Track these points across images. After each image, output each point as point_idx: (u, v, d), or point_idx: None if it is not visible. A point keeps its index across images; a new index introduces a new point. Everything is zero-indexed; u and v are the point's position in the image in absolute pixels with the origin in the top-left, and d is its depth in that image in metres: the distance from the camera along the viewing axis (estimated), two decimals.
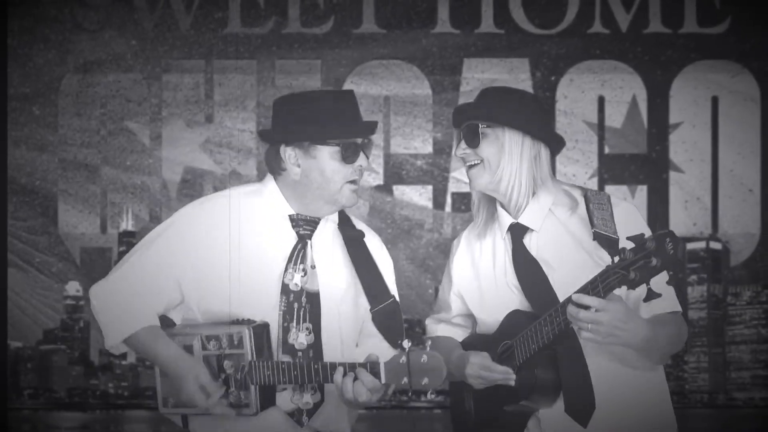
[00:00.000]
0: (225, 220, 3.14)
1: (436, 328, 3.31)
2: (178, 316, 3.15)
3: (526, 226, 3.08)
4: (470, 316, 3.27)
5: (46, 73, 6.90)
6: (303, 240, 3.12)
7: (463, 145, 3.08)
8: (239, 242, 3.11)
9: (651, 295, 2.71)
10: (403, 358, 2.83)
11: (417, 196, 7.02)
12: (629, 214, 3.03)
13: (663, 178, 6.98)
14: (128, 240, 6.92)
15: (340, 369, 2.90)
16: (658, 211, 6.98)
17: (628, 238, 2.71)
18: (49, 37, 6.87)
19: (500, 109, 3.09)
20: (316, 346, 3.06)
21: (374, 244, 3.25)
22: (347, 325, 3.14)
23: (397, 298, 3.20)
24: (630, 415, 3.01)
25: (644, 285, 2.73)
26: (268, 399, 3.01)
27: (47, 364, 7.06)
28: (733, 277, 7.13)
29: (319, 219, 3.14)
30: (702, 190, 7.00)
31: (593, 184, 6.95)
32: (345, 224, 3.22)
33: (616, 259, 2.75)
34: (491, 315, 3.12)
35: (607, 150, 7.00)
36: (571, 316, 2.79)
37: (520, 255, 3.08)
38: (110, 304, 3.07)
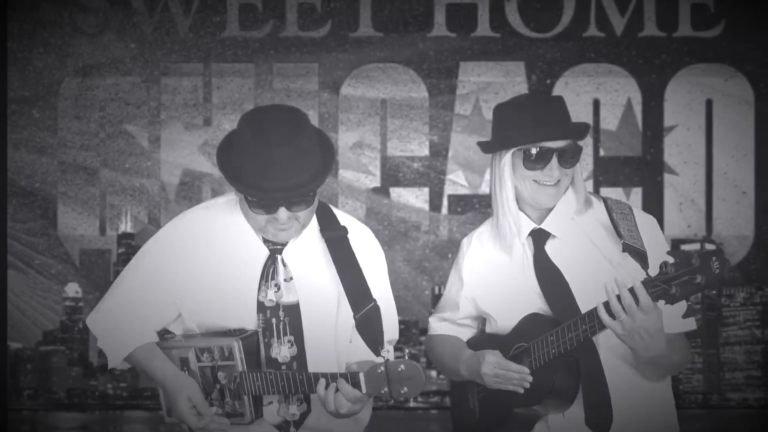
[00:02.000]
0: (204, 235, 3.12)
1: (439, 326, 3.32)
2: (180, 329, 3.18)
3: (549, 232, 3.11)
4: (477, 318, 3.28)
5: (45, 76, 6.91)
6: (273, 255, 3.08)
7: (556, 165, 3.05)
8: (218, 257, 3.09)
9: (690, 312, 2.74)
10: (381, 368, 2.83)
11: (413, 198, 7.02)
12: (652, 226, 3.09)
13: (657, 181, 6.99)
14: (127, 242, 6.92)
15: (323, 381, 2.89)
16: (653, 213, 6.97)
17: (668, 253, 2.70)
18: (48, 40, 6.88)
19: (577, 123, 3.12)
20: (300, 357, 3.05)
21: (360, 241, 3.18)
22: (342, 333, 3.11)
23: (385, 299, 3.14)
24: (637, 423, 3.03)
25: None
26: (260, 408, 3.04)
27: (47, 365, 7.03)
28: (727, 279, 7.13)
29: None
30: (696, 192, 7.01)
31: (588, 187, 6.96)
32: (327, 227, 3.14)
33: (648, 271, 2.77)
34: (508, 318, 3.12)
35: (602, 153, 7.02)
36: (616, 300, 2.77)
37: (541, 262, 3.09)
38: (107, 328, 3.11)
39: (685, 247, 7.16)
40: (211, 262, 3.09)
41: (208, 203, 3.23)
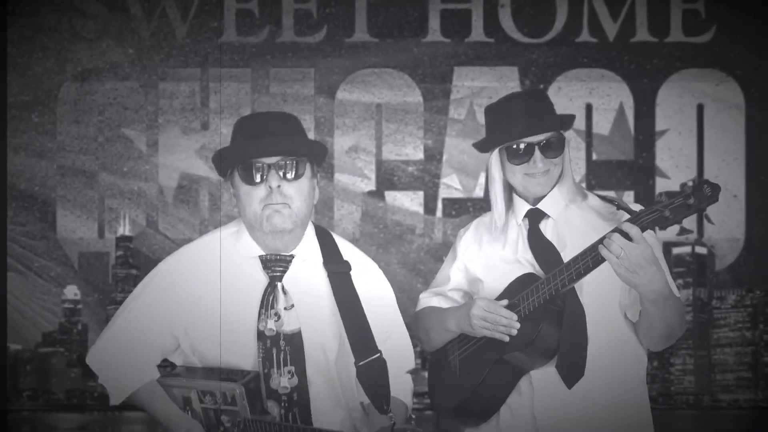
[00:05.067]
0: (204, 265, 3.08)
1: (429, 300, 3.38)
2: (179, 359, 3.15)
3: (544, 211, 3.22)
4: (466, 294, 3.35)
5: (44, 81, 6.93)
6: (272, 283, 3.03)
7: (539, 157, 3.16)
8: (218, 288, 3.05)
9: (683, 231, 2.89)
10: None
11: (408, 201, 7.04)
12: None
13: (649, 184, 7.00)
14: (125, 245, 6.93)
15: None
16: None
17: (660, 192, 2.89)
18: (47, 46, 6.91)
19: (561, 114, 3.24)
20: (300, 388, 3.00)
21: (365, 278, 3.14)
22: (341, 365, 3.06)
23: (398, 332, 3.12)
24: (610, 395, 3.13)
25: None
26: None
27: (46, 367, 7.05)
28: (718, 281, 7.14)
29: (290, 257, 3.06)
30: None
31: None
32: (330, 259, 3.10)
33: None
34: (497, 281, 3.20)
35: (594, 156, 7.04)
36: (607, 242, 2.90)
37: (535, 237, 3.20)
38: (108, 364, 3.09)
39: (677, 250, 7.22)
40: (210, 292, 3.06)
41: (208, 234, 3.21)
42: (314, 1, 6.94)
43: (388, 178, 7.03)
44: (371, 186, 7.00)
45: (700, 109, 7.03)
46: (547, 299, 3.04)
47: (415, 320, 3.40)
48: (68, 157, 6.98)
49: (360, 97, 7.01)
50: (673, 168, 7.03)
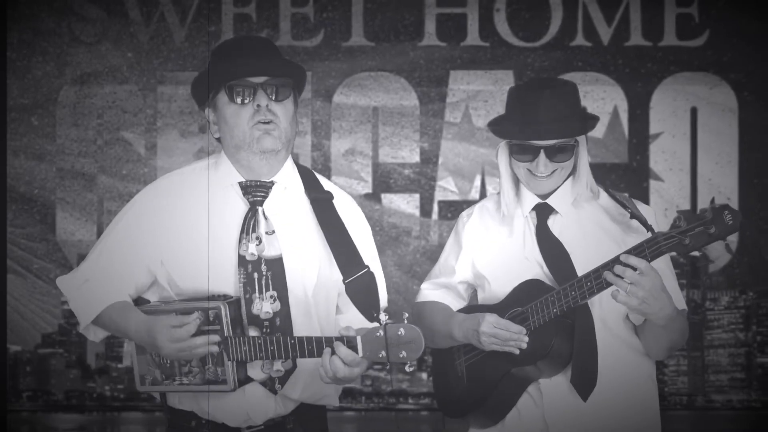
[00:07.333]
0: (181, 193, 3.03)
1: (431, 293, 3.34)
2: (155, 296, 3.06)
3: (552, 207, 3.17)
4: (470, 287, 3.32)
5: (44, 84, 6.95)
6: (254, 207, 2.99)
7: (543, 161, 3.09)
8: (196, 218, 2.99)
9: (703, 260, 2.87)
10: (380, 332, 2.75)
11: (404, 204, 7.06)
12: (650, 215, 3.17)
13: (643, 187, 7.04)
14: None
15: (328, 349, 2.78)
16: None
17: (678, 212, 2.85)
18: (47, 49, 6.93)
19: (578, 119, 3.18)
20: (283, 313, 2.95)
21: (346, 208, 3.11)
22: (319, 292, 3.01)
23: (373, 268, 3.07)
24: (620, 400, 3.13)
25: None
26: (244, 375, 2.93)
27: (45, 368, 7.05)
28: (711, 283, 7.15)
29: (271, 183, 3.01)
30: (681, 198, 7.03)
31: None
32: (312, 188, 3.07)
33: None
34: (502, 283, 3.15)
35: (588, 159, 7.04)
36: (614, 274, 2.85)
37: (543, 234, 3.14)
38: (79, 289, 3.00)
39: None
40: (188, 220, 3.00)
41: (185, 166, 3.18)
42: (311, 6, 6.96)
43: (384, 180, 7.04)
44: (367, 189, 7.01)
45: (694, 112, 7.05)
46: (564, 311, 3.01)
47: (417, 313, 3.34)
48: (67, 159, 7.00)
49: (357, 101, 7.03)
50: (667, 171, 7.06)
